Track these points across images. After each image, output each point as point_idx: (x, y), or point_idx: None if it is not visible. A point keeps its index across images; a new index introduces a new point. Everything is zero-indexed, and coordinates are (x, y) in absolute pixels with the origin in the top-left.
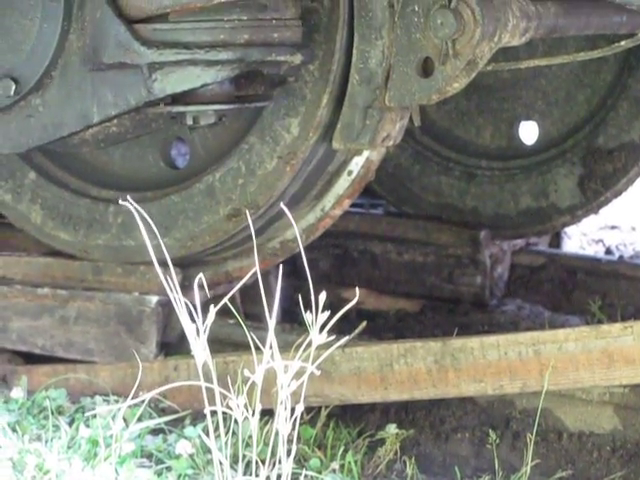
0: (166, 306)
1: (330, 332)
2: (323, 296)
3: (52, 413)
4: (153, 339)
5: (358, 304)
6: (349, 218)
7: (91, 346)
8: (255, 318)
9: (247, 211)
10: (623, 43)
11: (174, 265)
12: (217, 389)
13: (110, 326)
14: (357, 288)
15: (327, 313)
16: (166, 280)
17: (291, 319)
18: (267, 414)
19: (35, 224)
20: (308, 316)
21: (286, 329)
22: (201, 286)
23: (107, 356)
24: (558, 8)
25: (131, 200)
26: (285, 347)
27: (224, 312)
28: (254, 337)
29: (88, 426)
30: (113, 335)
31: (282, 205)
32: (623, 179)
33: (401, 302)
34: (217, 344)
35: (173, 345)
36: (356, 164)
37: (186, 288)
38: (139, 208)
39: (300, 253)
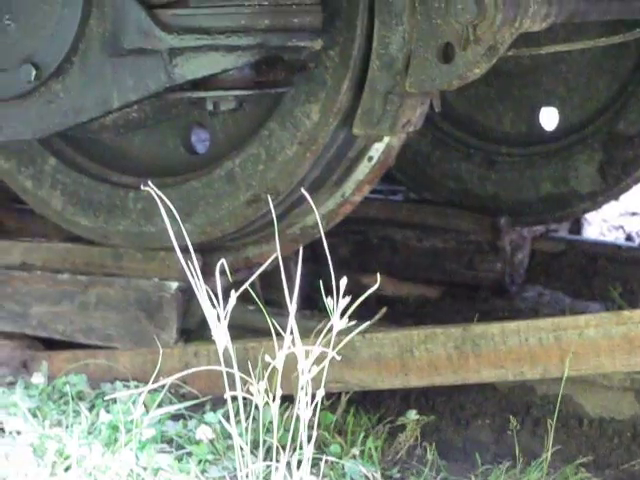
0: (186, 292)
1: (350, 318)
2: (344, 282)
3: (72, 399)
4: (173, 325)
5: (378, 290)
6: (369, 204)
7: (111, 332)
8: (275, 304)
9: (268, 197)
10: None
11: (194, 251)
12: (237, 374)
13: (130, 312)
14: (378, 274)
15: (348, 299)
16: (187, 266)
17: (310, 305)
18: (287, 400)
19: (55, 210)
20: (329, 301)
21: (306, 315)
22: (222, 272)
23: (127, 342)
24: None
25: (152, 186)
26: (305, 333)
27: (244, 298)
28: (274, 323)
29: (108, 412)
30: (133, 321)
31: (303, 191)
32: None
33: (421, 288)
34: (237, 330)
35: (193, 331)
36: (376, 150)
37: (206, 274)
38: (160, 194)
39: (320, 239)
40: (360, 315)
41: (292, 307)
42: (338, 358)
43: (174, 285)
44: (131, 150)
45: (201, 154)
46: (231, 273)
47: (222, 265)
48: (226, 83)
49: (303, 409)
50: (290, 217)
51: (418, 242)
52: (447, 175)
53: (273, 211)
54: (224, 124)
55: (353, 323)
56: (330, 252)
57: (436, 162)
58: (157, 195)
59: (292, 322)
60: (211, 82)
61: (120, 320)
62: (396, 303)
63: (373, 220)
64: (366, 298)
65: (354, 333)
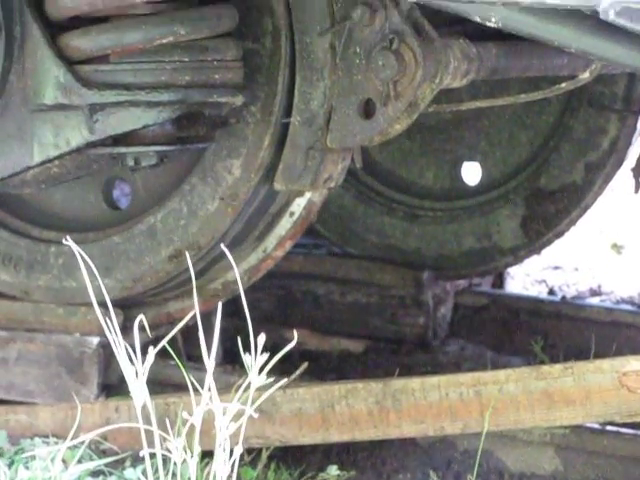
0: (107, 347)
1: (273, 373)
2: (262, 338)
3: None
4: (94, 380)
5: (301, 345)
6: (292, 258)
7: (32, 387)
8: (198, 359)
9: (187, 252)
10: (564, 85)
11: (115, 306)
12: (156, 431)
13: (51, 367)
14: (297, 329)
15: (266, 355)
16: (105, 322)
17: (233, 360)
18: (208, 456)
19: None
20: (247, 358)
21: (227, 370)
22: (142, 327)
23: (48, 397)
24: (499, 50)
25: (72, 241)
26: (227, 388)
27: (167, 353)
28: (192, 379)
29: (28, 468)
30: (54, 376)
31: (222, 246)
32: (565, 220)
33: (344, 343)
34: (159, 385)
35: (115, 387)
36: (298, 205)
37: (127, 329)
38: (79, 249)
39: (244, 294)
40: (283, 370)
41: (210, 363)
42: (255, 415)
43: (95, 340)
44: (52, 205)
45: (123, 209)
46: (151, 328)
47: (141, 321)
48: (147, 139)
49: (221, 466)
50: (212, 272)
51: (341, 296)
52: (370, 229)
53: (191, 267)
54: (145, 179)
55: (272, 379)
56: (253, 307)
57: (359, 216)
58: (77, 250)
59: (210, 377)
60: (132, 137)
61: (41, 375)
62: (319, 358)
63: (296, 274)
64: (289, 353)
65: (273, 389)
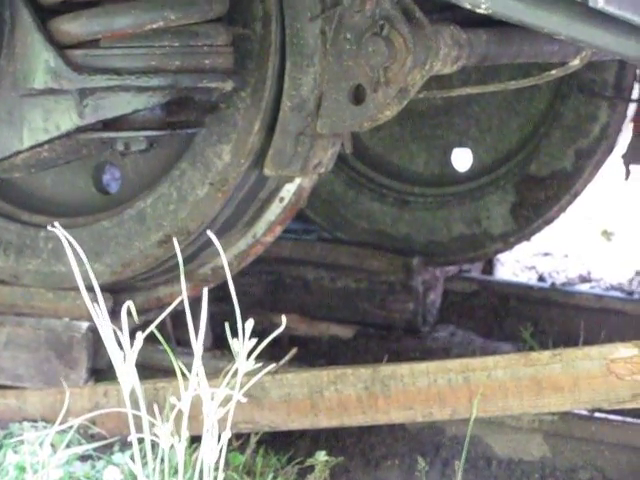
0: (97, 332)
1: (262, 358)
2: (250, 323)
3: None
4: (83, 365)
5: (291, 330)
6: (282, 244)
7: (21, 371)
8: (187, 344)
9: (176, 237)
10: (554, 72)
11: (105, 291)
12: (144, 416)
13: (40, 352)
14: (286, 314)
15: (254, 340)
16: (94, 306)
17: (223, 345)
18: (197, 440)
19: None
20: (235, 343)
21: (217, 355)
22: (131, 312)
23: (37, 382)
24: (490, 36)
25: (60, 226)
26: (216, 373)
27: (157, 338)
28: (180, 364)
29: (16, 452)
30: (43, 361)
31: (209, 233)
32: (555, 207)
33: (334, 328)
34: (149, 370)
35: (104, 371)
36: (288, 191)
37: (117, 314)
38: (67, 234)
39: (234, 279)
40: (272, 355)
41: (198, 348)
42: (244, 400)
43: (84, 325)
44: (42, 189)
45: (112, 194)
46: (141, 313)
47: (129, 306)
48: (137, 123)
49: (208, 451)
50: (202, 257)
51: (331, 282)
52: (360, 215)
53: (179, 252)
54: (135, 164)
55: (260, 364)
56: (243, 292)
57: (349, 202)
58: (64, 236)
59: (198, 363)
60: (122, 122)
61: (30, 360)
62: (309, 343)
63: (286, 260)
64: (279, 338)
65: (261, 374)
